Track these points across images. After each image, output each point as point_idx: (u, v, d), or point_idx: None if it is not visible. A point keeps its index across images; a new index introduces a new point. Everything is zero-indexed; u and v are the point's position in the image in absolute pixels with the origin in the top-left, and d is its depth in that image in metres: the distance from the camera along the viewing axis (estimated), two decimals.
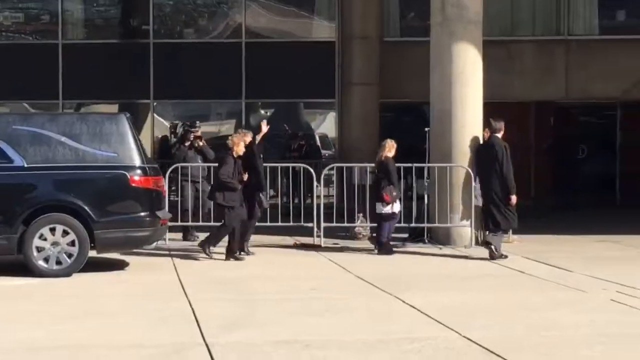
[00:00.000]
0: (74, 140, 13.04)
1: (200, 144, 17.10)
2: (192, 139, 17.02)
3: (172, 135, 19.00)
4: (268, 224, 16.76)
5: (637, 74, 22.90)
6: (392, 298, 11.18)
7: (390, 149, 15.66)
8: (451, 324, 9.46)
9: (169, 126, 22.29)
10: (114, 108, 23.18)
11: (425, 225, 16.46)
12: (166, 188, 14.65)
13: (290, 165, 17.18)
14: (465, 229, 16.40)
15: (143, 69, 23.45)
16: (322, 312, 10.24)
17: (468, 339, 8.80)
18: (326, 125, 24.83)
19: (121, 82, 23.00)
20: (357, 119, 22.63)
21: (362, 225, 17.12)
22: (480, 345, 8.51)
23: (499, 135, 15.40)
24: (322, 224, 16.41)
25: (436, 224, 16.45)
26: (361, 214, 17.11)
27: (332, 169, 17.27)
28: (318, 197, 16.55)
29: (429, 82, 16.86)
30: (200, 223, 16.26)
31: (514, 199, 15.01)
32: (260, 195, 14.99)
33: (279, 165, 17.36)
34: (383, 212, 15.34)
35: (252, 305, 10.66)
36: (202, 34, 24.61)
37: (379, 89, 22.87)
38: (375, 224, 15.56)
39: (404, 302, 10.84)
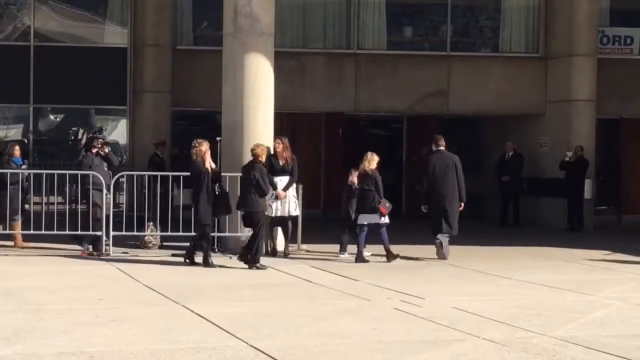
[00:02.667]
0: None
1: (106, 150, 16.67)
2: (99, 146, 16.60)
3: (72, 142, 18.25)
4: (55, 232, 16.45)
5: (422, 89, 23.64)
6: (180, 307, 11.15)
7: (371, 161, 16.18)
8: (239, 333, 9.53)
9: (69, 132, 21.65)
10: None
11: (216, 234, 16.49)
12: None
13: (80, 172, 16.84)
14: None
15: None
16: (109, 322, 10.11)
17: (255, 348, 8.88)
18: (118, 132, 24.51)
19: None
20: (148, 126, 22.47)
21: (152, 234, 17.00)
22: (267, 354, 8.61)
23: (443, 148, 16.72)
24: (112, 233, 16.20)
25: (227, 234, 16.52)
26: (151, 223, 16.99)
27: (122, 176, 17.05)
28: (107, 205, 16.31)
29: (222, 92, 16.95)
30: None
31: (463, 206, 16.54)
32: None
33: (66, 172, 16.99)
34: (375, 222, 15.94)
35: (37, 315, 10.41)
36: None
37: (171, 97, 22.77)
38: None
39: (192, 311, 10.84)
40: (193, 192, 15.25)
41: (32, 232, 16.54)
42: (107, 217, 16.22)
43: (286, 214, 16.62)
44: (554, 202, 23.06)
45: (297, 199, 16.82)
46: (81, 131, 17.34)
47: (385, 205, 16.02)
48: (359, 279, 13.79)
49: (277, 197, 16.45)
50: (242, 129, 16.57)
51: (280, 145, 16.62)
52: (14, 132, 24.42)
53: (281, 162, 16.57)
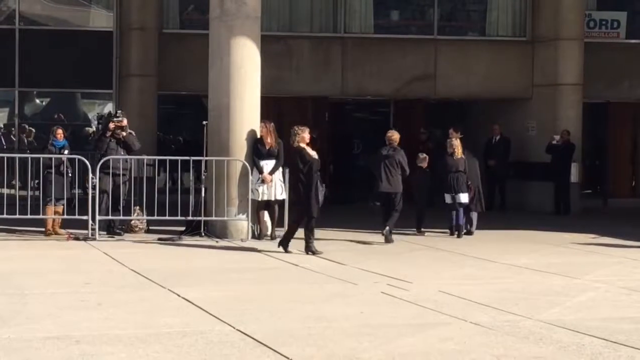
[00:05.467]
0: None
1: (123, 134, 16.54)
2: (112, 128, 16.48)
3: (99, 126, 18.13)
4: (41, 216, 16.40)
5: (409, 72, 23.62)
6: (166, 291, 11.13)
7: (460, 147, 17.79)
8: (225, 317, 9.52)
9: (95, 116, 21.47)
10: None
11: (202, 218, 16.47)
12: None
13: (65, 157, 16.77)
14: (242, 223, 16.53)
15: None
16: (95, 306, 10.09)
17: (241, 332, 8.87)
18: None
19: None
20: (134, 110, 22.27)
21: (139, 218, 16.96)
22: (254, 338, 8.60)
23: None
24: (97, 217, 16.14)
25: (213, 217, 16.50)
26: (137, 207, 16.94)
27: (108, 160, 16.95)
28: (94, 189, 16.26)
29: (208, 76, 16.90)
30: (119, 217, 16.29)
31: None
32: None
33: (52, 155, 16.91)
34: (464, 202, 17.56)
35: (22, 300, 10.37)
36: None
37: (157, 80, 22.69)
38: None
39: (179, 295, 10.82)
40: (297, 183, 14.88)
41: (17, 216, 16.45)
42: (93, 200, 16.15)
43: (272, 198, 16.60)
44: (540, 186, 23.09)
45: (284, 183, 16.79)
46: (106, 114, 17.28)
47: (472, 187, 17.79)
48: (346, 263, 13.79)
49: (263, 181, 16.43)
50: (229, 113, 16.52)
51: (264, 129, 16.56)
52: (0, 116, 24.33)
53: (267, 146, 16.53)
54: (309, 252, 14.65)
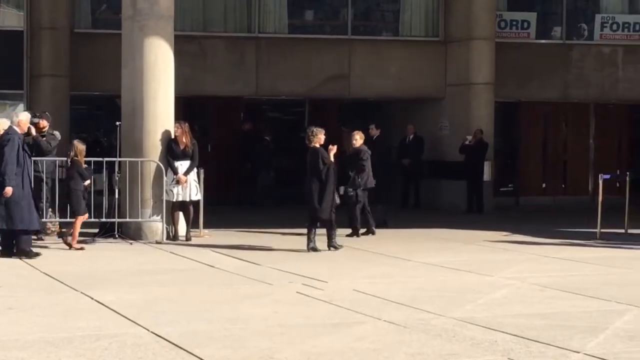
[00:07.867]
0: None
1: (33, 134, 16.11)
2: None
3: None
4: None
5: (323, 72, 23.68)
6: (80, 295, 11.00)
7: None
8: (140, 319, 9.44)
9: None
10: None
11: (116, 220, 16.32)
12: None
13: None
14: (156, 224, 16.43)
15: None
16: (6, 310, 9.93)
17: (156, 334, 8.80)
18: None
19: None
20: (47, 111, 22.04)
21: (52, 220, 16.74)
22: (168, 341, 8.54)
23: None
24: None
25: (127, 219, 16.37)
26: (50, 209, 16.71)
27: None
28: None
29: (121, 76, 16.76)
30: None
31: None
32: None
33: None
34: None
35: None
36: None
37: (69, 81, 22.40)
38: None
39: (92, 298, 10.70)
40: (312, 183, 14.98)
41: None
42: None
43: (187, 199, 16.53)
44: (454, 185, 23.35)
45: (199, 183, 16.73)
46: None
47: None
48: (262, 264, 13.78)
49: (178, 182, 16.35)
50: (142, 113, 16.42)
51: (179, 130, 16.51)
52: None
53: (181, 147, 16.46)
54: (331, 248, 15.16)
